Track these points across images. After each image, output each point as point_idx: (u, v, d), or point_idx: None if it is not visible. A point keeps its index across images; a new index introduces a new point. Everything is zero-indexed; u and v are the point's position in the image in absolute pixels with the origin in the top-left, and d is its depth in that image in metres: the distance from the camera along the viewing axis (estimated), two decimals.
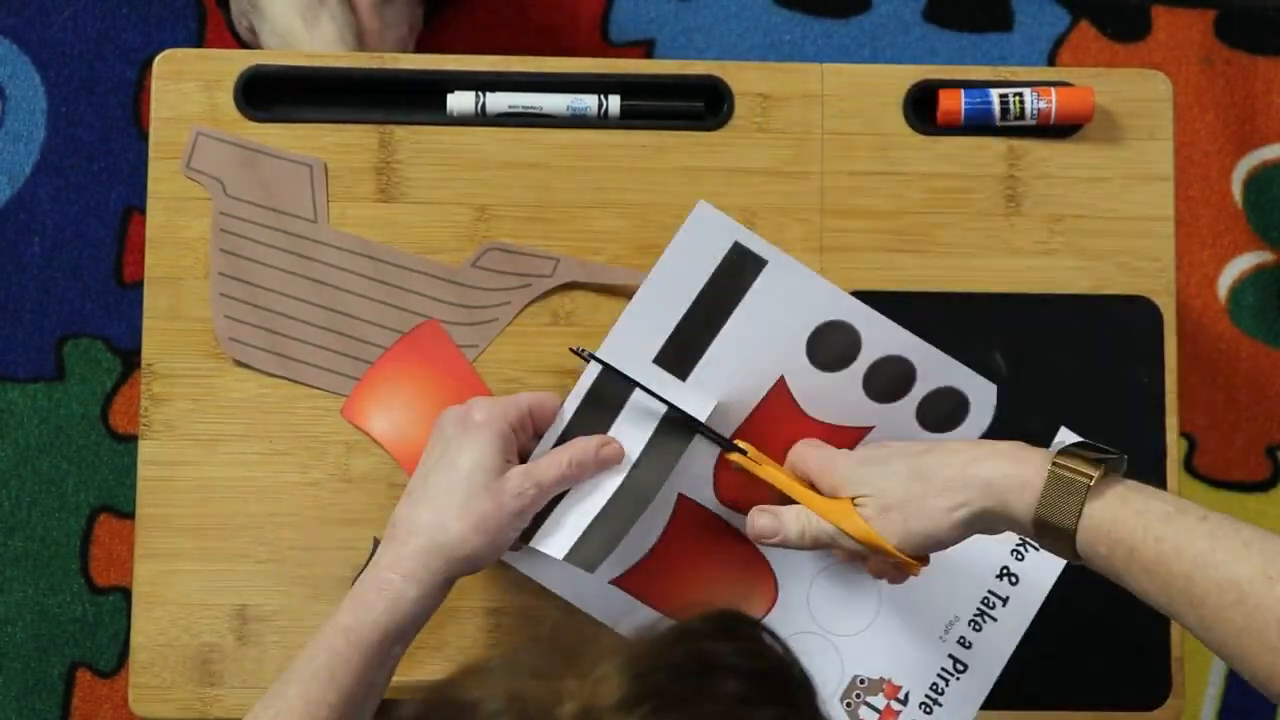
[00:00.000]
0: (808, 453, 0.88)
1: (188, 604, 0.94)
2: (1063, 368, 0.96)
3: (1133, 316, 0.97)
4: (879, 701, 0.90)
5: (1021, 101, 0.96)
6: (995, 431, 0.93)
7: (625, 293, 0.96)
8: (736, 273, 0.89)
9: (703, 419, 0.87)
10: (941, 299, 0.97)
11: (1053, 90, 0.97)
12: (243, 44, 1.32)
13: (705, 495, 0.90)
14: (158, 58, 0.97)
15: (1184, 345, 1.47)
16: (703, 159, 0.97)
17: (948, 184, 0.98)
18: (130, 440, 1.45)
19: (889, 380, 0.91)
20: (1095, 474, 0.76)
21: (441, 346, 0.95)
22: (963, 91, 0.97)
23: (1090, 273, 0.97)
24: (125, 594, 1.43)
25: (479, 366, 0.96)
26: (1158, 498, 0.75)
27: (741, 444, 0.87)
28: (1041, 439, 0.95)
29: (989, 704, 0.93)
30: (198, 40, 1.50)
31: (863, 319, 0.90)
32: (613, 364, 0.87)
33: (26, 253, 1.47)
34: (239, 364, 0.95)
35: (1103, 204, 0.98)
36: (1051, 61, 1.53)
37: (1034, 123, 0.97)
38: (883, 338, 0.90)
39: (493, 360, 0.96)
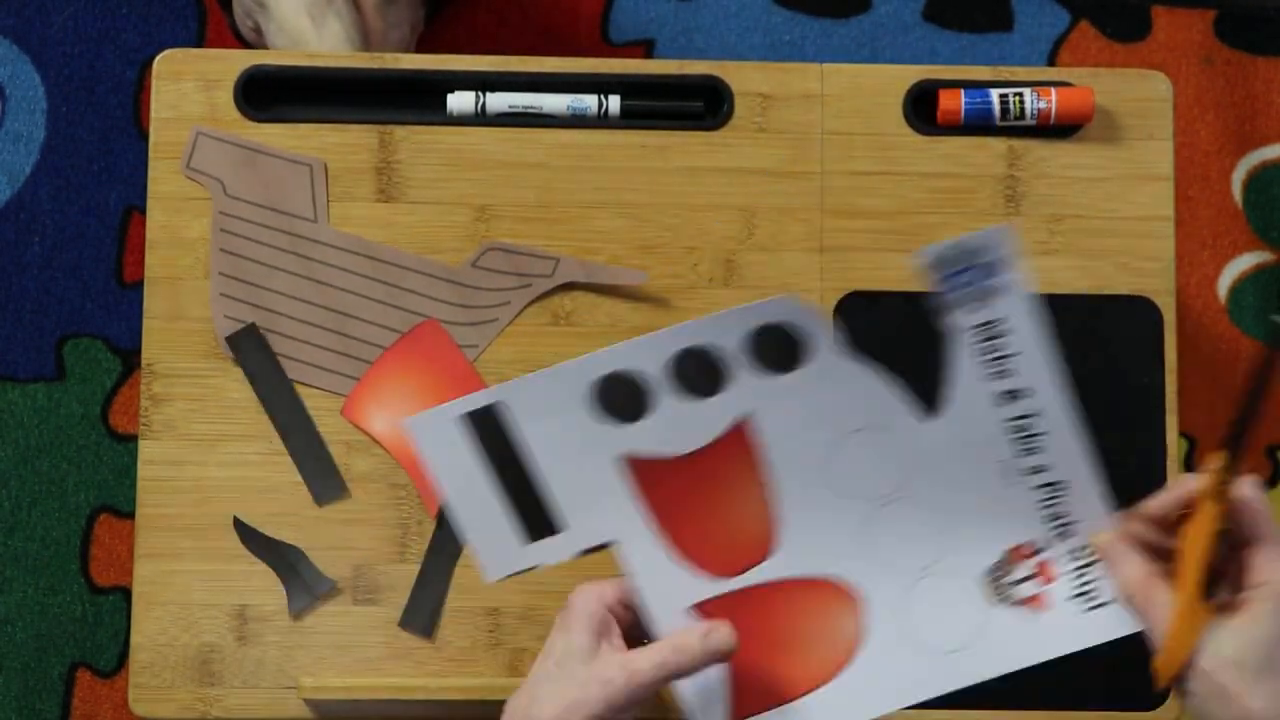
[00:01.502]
0: (1259, 503, 0.75)
1: (188, 604, 0.94)
2: (1062, 368, 0.96)
3: (1133, 316, 0.97)
4: (1022, 572, 0.82)
5: (1021, 101, 0.96)
6: None
7: (625, 293, 0.96)
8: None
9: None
10: None
11: (1053, 90, 0.97)
12: (245, 44, 1.32)
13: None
14: (158, 58, 0.97)
15: (1184, 345, 1.47)
16: (703, 159, 0.97)
17: (948, 184, 0.98)
18: (130, 440, 1.45)
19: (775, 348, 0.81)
20: None
21: (441, 346, 0.95)
22: (963, 91, 0.97)
23: (1090, 273, 0.97)
24: (125, 594, 1.43)
25: (479, 367, 0.96)
26: None
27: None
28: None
29: (989, 704, 0.93)
30: (198, 40, 1.50)
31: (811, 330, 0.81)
32: None
33: (26, 253, 1.47)
34: (239, 364, 0.95)
35: (1103, 204, 0.98)
36: (1051, 61, 1.53)
37: (1034, 123, 0.97)
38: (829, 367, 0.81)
39: (493, 360, 0.96)
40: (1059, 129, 0.98)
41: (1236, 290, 1.51)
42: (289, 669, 0.94)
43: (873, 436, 0.82)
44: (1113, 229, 0.98)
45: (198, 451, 0.95)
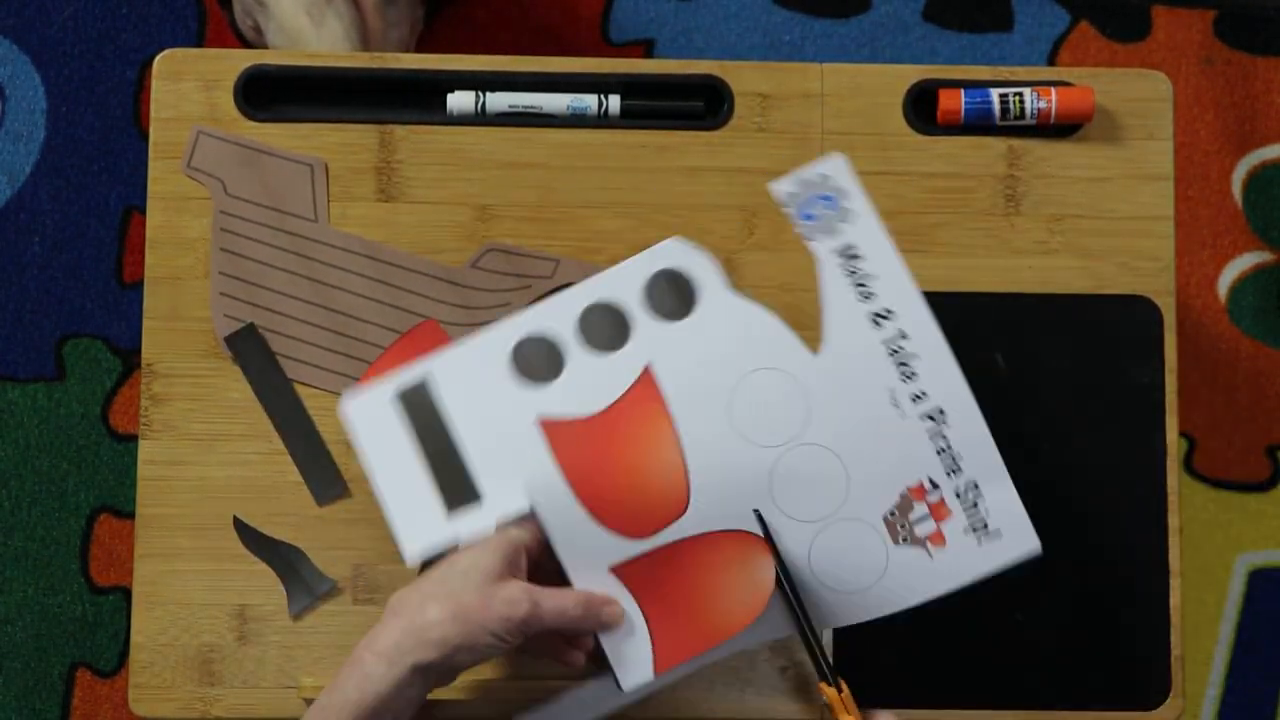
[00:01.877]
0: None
1: (188, 604, 0.94)
2: (1063, 368, 0.96)
3: (1133, 316, 0.97)
4: (919, 512, 0.87)
5: (1021, 101, 0.96)
6: (997, 431, 0.93)
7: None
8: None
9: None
10: (941, 299, 0.97)
11: (1053, 90, 0.97)
12: (245, 43, 1.32)
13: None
14: (158, 58, 0.97)
15: (1184, 345, 1.47)
16: (703, 159, 0.97)
17: (948, 184, 0.98)
18: (130, 440, 1.45)
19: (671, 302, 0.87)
20: None
21: (440, 346, 0.95)
22: (963, 91, 0.97)
23: (1090, 273, 0.97)
24: (125, 594, 1.43)
25: None
26: None
27: (838, 684, 0.85)
28: (1041, 439, 0.95)
29: (989, 703, 0.93)
30: (198, 40, 1.50)
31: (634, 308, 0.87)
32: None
33: (26, 253, 1.47)
34: (239, 364, 0.95)
35: (1103, 204, 0.98)
36: (1051, 61, 1.53)
37: (1034, 122, 0.97)
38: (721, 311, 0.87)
39: None
40: (1059, 129, 0.98)
41: (1236, 290, 1.51)
42: (289, 669, 0.94)
43: (770, 377, 0.86)
44: (1113, 229, 0.98)
45: (197, 451, 0.95)
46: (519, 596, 0.80)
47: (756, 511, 0.85)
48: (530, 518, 0.84)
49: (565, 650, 0.85)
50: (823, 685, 0.85)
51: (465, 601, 0.79)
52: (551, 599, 0.81)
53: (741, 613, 0.85)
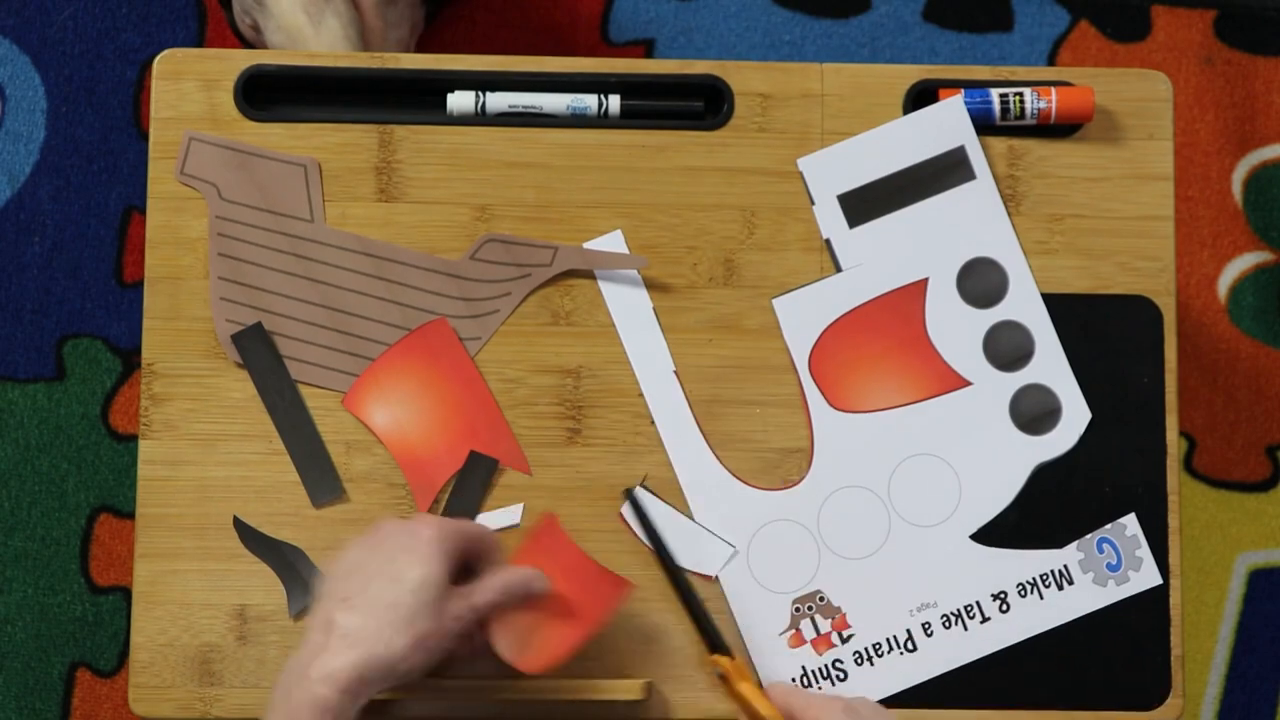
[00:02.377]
0: (790, 690, 0.86)
1: (188, 604, 0.94)
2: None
3: (1133, 316, 0.97)
4: (824, 625, 0.91)
5: (1021, 101, 0.96)
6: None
7: (625, 279, 0.96)
8: (945, 171, 0.94)
9: (844, 267, 0.92)
10: None
11: (1053, 90, 0.97)
12: (244, 42, 1.32)
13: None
14: (158, 58, 0.97)
15: (1184, 345, 1.47)
16: (703, 159, 0.97)
17: None
18: (130, 440, 1.45)
19: (1009, 347, 0.93)
20: None
21: (449, 346, 0.95)
22: (963, 91, 0.97)
23: (1090, 273, 0.97)
24: (125, 594, 1.43)
25: (480, 363, 0.96)
26: None
27: (730, 651, 0.87)
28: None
29: (989, 703, 0.93)
30: (198, 40, 1.50)
31: (1017, 274, 0.93)
32: (807, 179, 0.93)
33: (26, 253, 1.47)
34: (241, 366, 0.95)
35: (1103, 204, 0.98)
36: (1051, 61, 1.53)
37: (1034, 122, 0.97)
38: (1024, 304, 0.93)
39: (493, 360, 0.96)
40: (1059, 128, 0.98)
41: (1236, 290, 1.51)
42: None
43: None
44: (1113, 229, 0.98)
45: (198, 451, 0.95)
46: (461, 610, 0.80)
47: (632, 496, 0.87)
48: (462, 522, 0.85)
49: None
50: (716, 657, 0.85)
51: (423, 629, 0.78)
52: (482, 596, 0.82)
53: (601, 605, 0.87)
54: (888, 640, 0.91)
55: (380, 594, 0.79)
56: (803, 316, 0.93)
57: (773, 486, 0.94)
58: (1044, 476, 0.94)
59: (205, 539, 0.94)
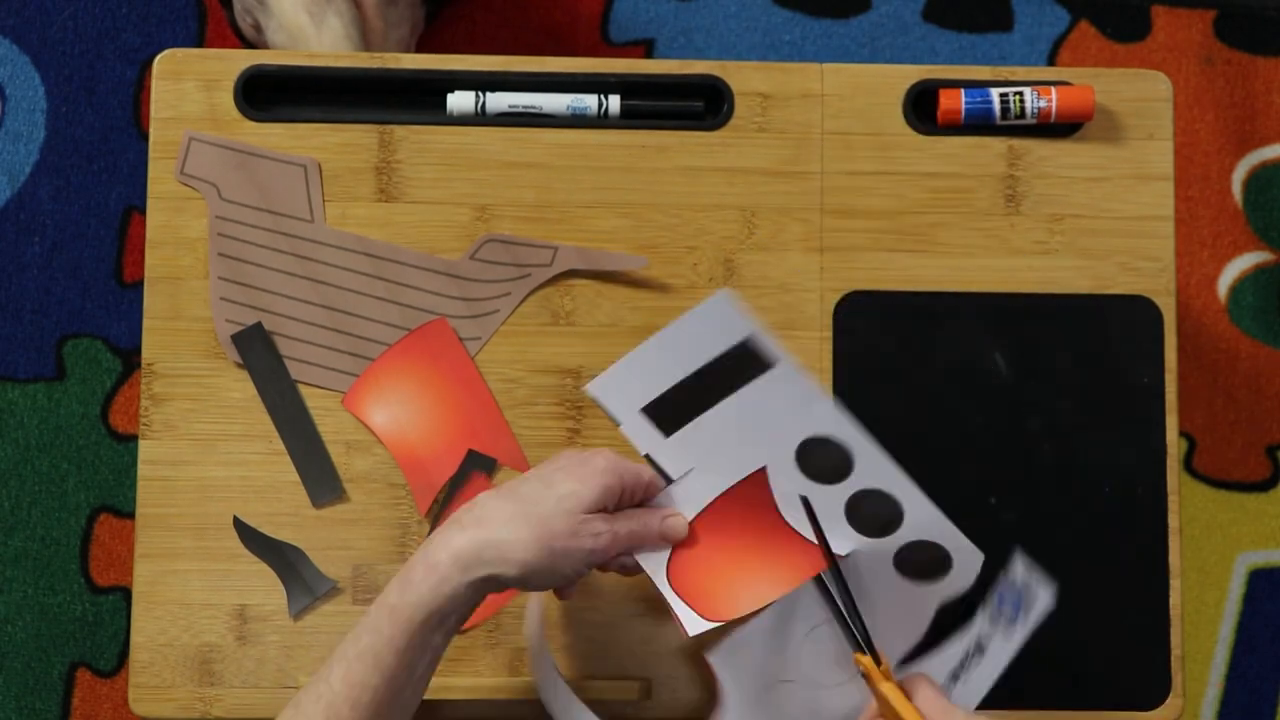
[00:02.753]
0: (935, 695, 0.84)
1: (188, 604, 0.94)
2: (1063, 368, 0.96)
3: (1133, 316, 0.97)
4: None
5: (1022, 100, 0.96)
6: (997, 432, 0.93)
7: (625, 280, 0.96)
8: (741, 364, 0.86)
9: (673, 477, 0.86)
10: (941, 299, 0.97)
11: (1053, 89, 0.97)
12: (245, 41, 1.32)
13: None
14: (158, 58, 0.97)
15: (1184, 345, 1.47)
16: (703, 159, 0.97)
17: (948, 184, 0.98)
18: (130, 440, 1.45)
19: (873, 514, 0.87)
20: None
21: (449, 346, 0.95)
22: (963, 91, 0.97)
23: (1090, 273, 0.97)
24: (125, 594, 1.43)
25: (480, 363, 0.96)
26: None
27: (875, 651, 0.85)
28: (1041, 439, 0.95)
29: (988, 703, 0.93)
30: (198, 40, 1.50)
31: (859, 446, 0.86)
32: (605, 404, 0.86)
33: (26, 253, 1.47)
34: (241, 366, 0.95)
35: (1103, 204, 0.98)
36: (1051, 61, 1.53)
37: (1034, 121, 0.97)
38: (875, 471, 0.86)
39: (493, 360, 0.96)
40: (1059, 128, 0.98)
41: (1236, 290, 1.51)
42: (289, 669, 0.94)
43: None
44: (1113, 229, 0.98)
45: (198, 451, 0.95)
46: (602, 529, 0.81)
47: (804, 498, 0.86)
48: (632, 463, 0.84)
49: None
50: (858, 656, 0.85)
51: (555, 529, 0.79)
52: (623, 523, 0.82)
53: (775, 585, 0.85)
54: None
55: (526, 492, 0.81)
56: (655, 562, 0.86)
57: None
58: (1043, 479, 0.94)
59: (205, 539, 0.94)
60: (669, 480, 0.86)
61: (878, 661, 0.84)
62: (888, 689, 0.83)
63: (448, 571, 0.78)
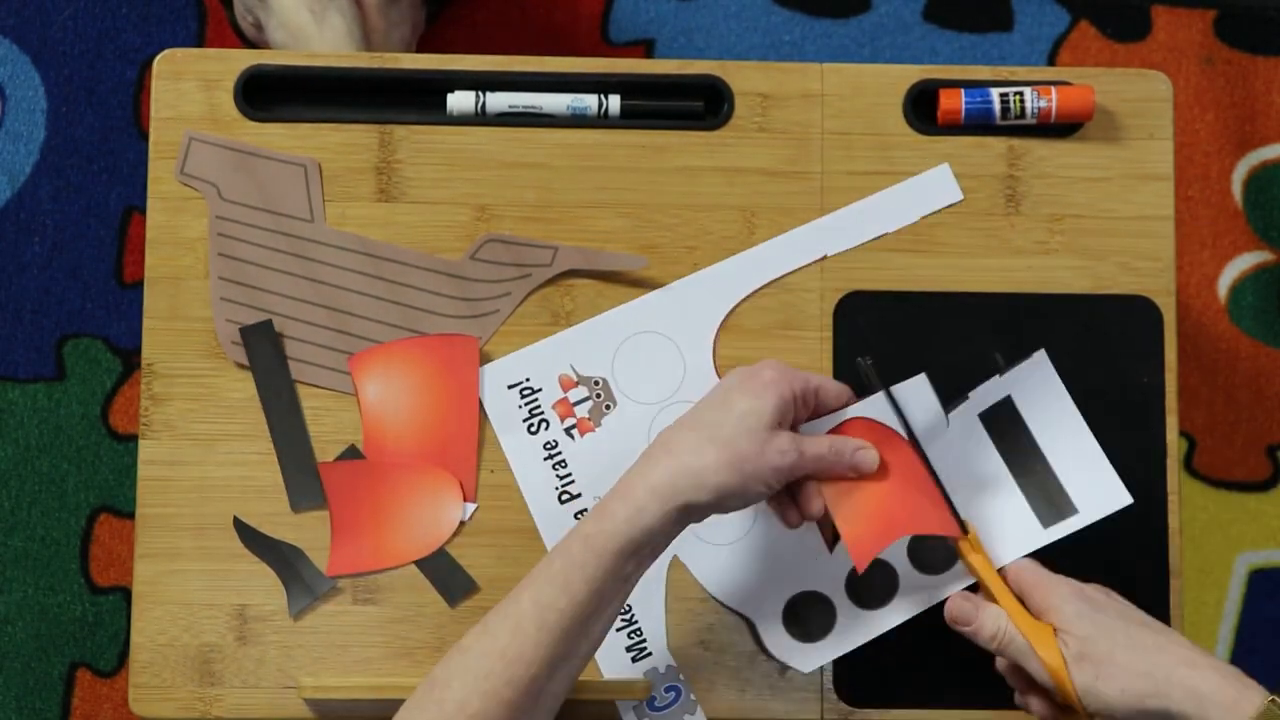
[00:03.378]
0: (1027, 565, 0.88)
1: (188, 604, 0.94)
2: (1063, 368, 0.96)
3: (1133, 316, 0.97)
4: None
5: (1022, 100, 0.96)
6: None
7: (625, 280, 0.96)
8: None
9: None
10: (941, 299, 0.97)
11: (1053, 89, 0.97)
12: (245, 40, 1.32)
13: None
14: (158, 58, 0.97)
15: (1184, 345, 1.47)
16: (703, 159, 0.97)
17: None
18: (130, 440, 1.45)
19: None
20: None
21: (466, 365, 0.95)
22: (963, 91, 0.97)
23: (1090, 273, 0.97)
24: (125, 594, 1.43)
25: (481, 361, 0.96)
26: None
27: (965, 527, 0.87)
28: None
29: (988, 703, 0.93)
30: (198, 40, 1.50)
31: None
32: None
33: (26, 253, 1.47)
34: (241, 366, 0.95)
35: (1103, 204, 0.98)
36: (1051, 61, 1.53)
37: (1034, 121, 0.97)
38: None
39: (493, 360, 0.96)
40: (1059, 128, 0.98)
41: (1236, 290, 1.51)
42: (289, 669, 0.93)
43: None
44: (1113, 229, 0.98)
45: (197, 451, 0.95)
46: (788, 446, 0.82)
47: (887, 391, 0.88)
48: (799, 373, 0.85)
49: (789, 509, 0.87)
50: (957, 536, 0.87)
51: (742, 449, 0.80)
52: (812, 445, 0.83)
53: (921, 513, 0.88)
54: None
55: (707, 417, 0.82)
56: None
57: None
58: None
59: (205, 539, 0.94)
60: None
61: (965, 532, 0.85)
62: (977, 560, 0.85)
63: (645, 501, 0.79)
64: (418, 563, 0.94)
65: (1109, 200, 0.98)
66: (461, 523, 0.94)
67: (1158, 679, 0.80)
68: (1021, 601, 0.86)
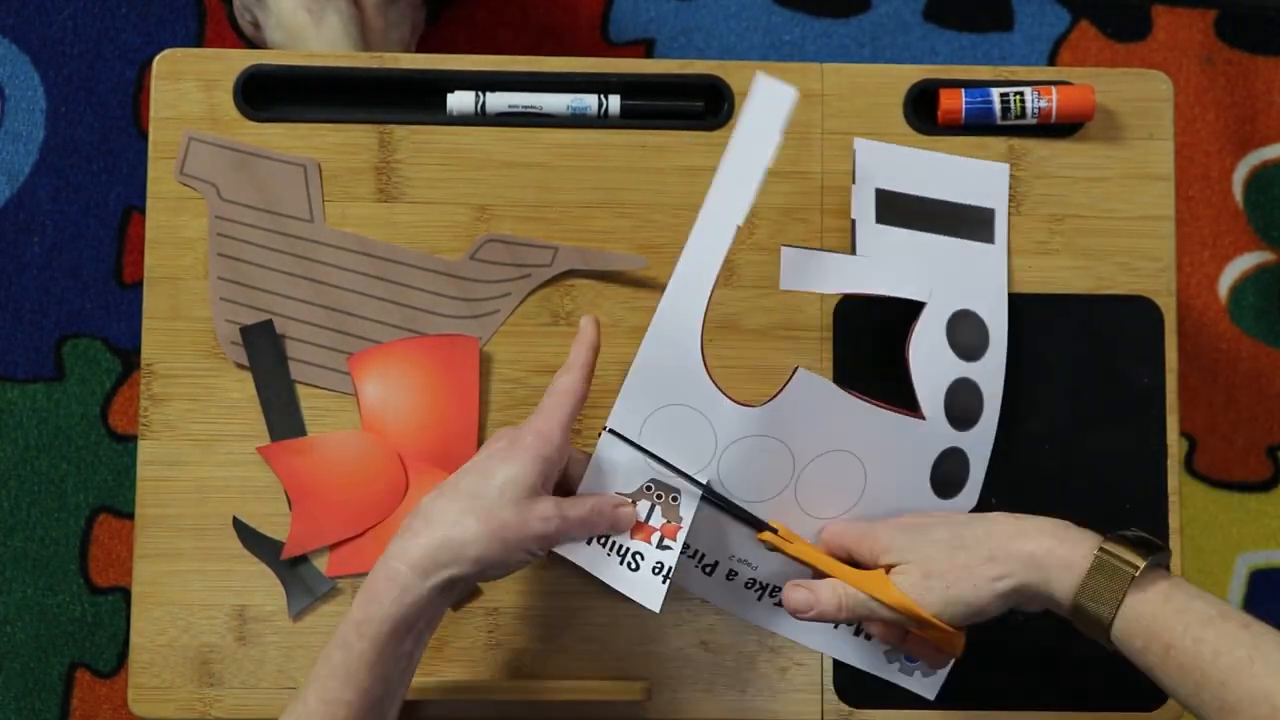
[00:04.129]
0: (844, 527, 0.88)
1: (188, 604, 0.94)
2: (1063, 368, 0.96)
3: (1133, 316, 0.97)
4: (657, 519, 0.89)
5: (1022, 100, 0.96)
6: (997, 455, 0.93)
7: (625, 280, 0.96)
8: (971, 221, 0.96)
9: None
10: None
11: (1053, 89, 0.97)
12: (244, 39, 1.32)
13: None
14: (158, 58, 0.97)
15: (1184, 345, 1.47)
16: (703, 159, 0.97)
17: None
18: (130, 440, 1.45)
19: (960, 406, 0.92)
20: (1141, 565, 0.77)
21: (466, 365, 0.95)
22: (963, 91, 0.97)
23: (1090, 273, 0.97)
24: (125, 594, 1.43)
25: (481, 362, 0.96)
26: (1201, 599, 0.76)
27: (773, 523, 0.87)
28: (1041, 439, 0.95)
29: (988, 704, 0.93)
30: (198, 40, 1.50)
31: (996, 346, 0.94)
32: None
33: (26, 253, 1.47)
34: (240, 366, 0.95)
35: (1103, 204, 0.98)
36: (1052, 61, 1.53)
37: (1034, 121, 0.97)
38: (991, 374, 0.93)
39: (493, 360, 0.96)
40: (1059, 128, 0.98)
41: (1236, 290, 1.51)
42: (289, 669, 0.94)
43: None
44: (1113, 229, 0.98)
45: (197, 451, 0.95)
46: (550, 513, 0.81)
47: (705, 486, 0.87)
48: (565, 438, 0.84)
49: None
50: (761, 535, 0.87)
51: (503, 519, 0.80)
52: (574, 509, 0.83)
53: None
54: (701, 564, 0.91)
55: (467, 485, 0.81)
56: (803, 273, 0.91)
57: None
58: (1043, 479, 0.94)
59: (205, 539, 0.94)
60: (726, 505, 0.88)
61: (774, 531, 0.86)
62: (798, 548, 0.87)
63: (408, 580, 0.78)
64: None
65: (1109, 200, 0.98)
66: None
67: (999, 559, 0.80)
68: (854, 562, 0.87)
